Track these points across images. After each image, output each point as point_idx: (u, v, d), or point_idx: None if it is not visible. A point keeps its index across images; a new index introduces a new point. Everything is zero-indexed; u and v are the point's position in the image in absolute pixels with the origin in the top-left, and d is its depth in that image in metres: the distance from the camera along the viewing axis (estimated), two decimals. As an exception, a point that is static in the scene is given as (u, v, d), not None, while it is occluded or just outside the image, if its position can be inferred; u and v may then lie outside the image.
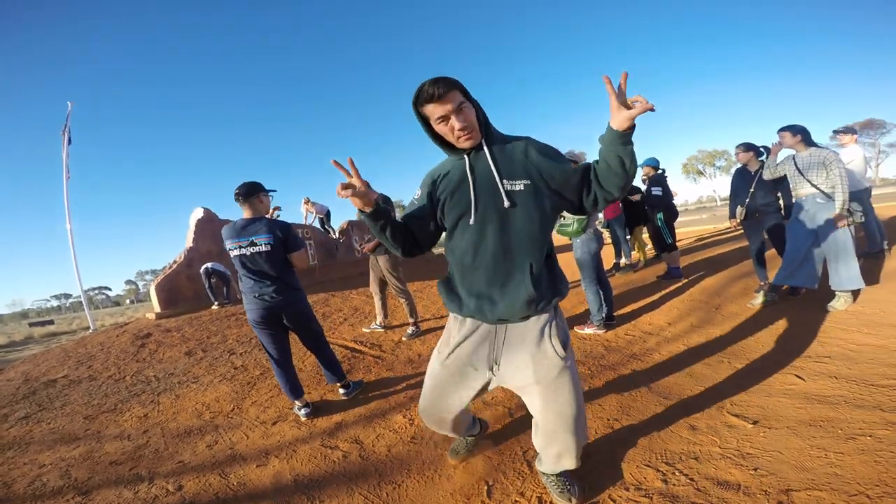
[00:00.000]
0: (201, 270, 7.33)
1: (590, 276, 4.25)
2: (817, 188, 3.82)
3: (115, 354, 5.23)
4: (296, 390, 3.16)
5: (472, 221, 1.60)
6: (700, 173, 62.73)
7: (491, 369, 1.75)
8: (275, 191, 3.31)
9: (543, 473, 2.00)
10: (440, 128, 1.55)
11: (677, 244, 6.31)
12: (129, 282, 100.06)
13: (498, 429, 2.63)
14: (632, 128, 1.39)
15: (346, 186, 1.54)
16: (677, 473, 2.01)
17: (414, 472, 2.34)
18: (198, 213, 8.32)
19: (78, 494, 2.45)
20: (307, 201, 11.01)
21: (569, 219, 4.03)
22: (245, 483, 2.41)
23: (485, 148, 1.59)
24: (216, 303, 7.28)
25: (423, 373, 3.62)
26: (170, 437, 3.06)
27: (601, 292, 4.25)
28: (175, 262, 7.85)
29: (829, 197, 3.77)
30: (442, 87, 1.46)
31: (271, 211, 3.38)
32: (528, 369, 1.68)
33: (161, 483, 2.49)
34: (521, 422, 2.66)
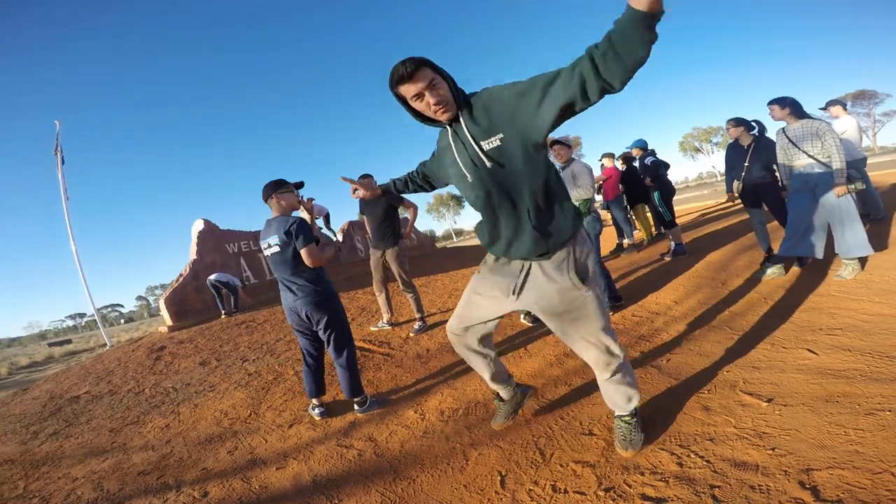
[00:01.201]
0: (207, 283, 7.45)
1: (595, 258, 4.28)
2: (814, 158, 3.80)
3: (133, 368, 5.34)
4: (312, 390, 3.21)
5: (467, 181, 1.79)
6: (697, 150, 62.37)
7: (514, 295, 1.94)
8: (300, 184, 3.27)
9: (615, 417, 2.17)
10: (418, 105, 1.68)
11: (676, 221, 6.31)
12: (140, 297, 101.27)
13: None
14: (660, 11, 1.19)
15: (354, 191, 2.40)
16: (693, 455, 1.98)
17: (427, 466, 2.40)
18: (199, 225, 8.40)
19: None
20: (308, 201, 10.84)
21: (574, 201, 4.05)
22: (266, 486, 2.49)
23: (461, 117, 1.72)
24: (224, 312, 7.39)
25: (433, 367, 3.76)
26: (192, 446, 3.14)
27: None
28: (181, 275, 7.94)
29: (827, 166, 3.75)
30: (410, 66, 1.57)
31: (305, 202, 3.29)
32: (555, 300, 1.86)
33: (188, 490, 2.57)
34: (531, 409, 2.70)
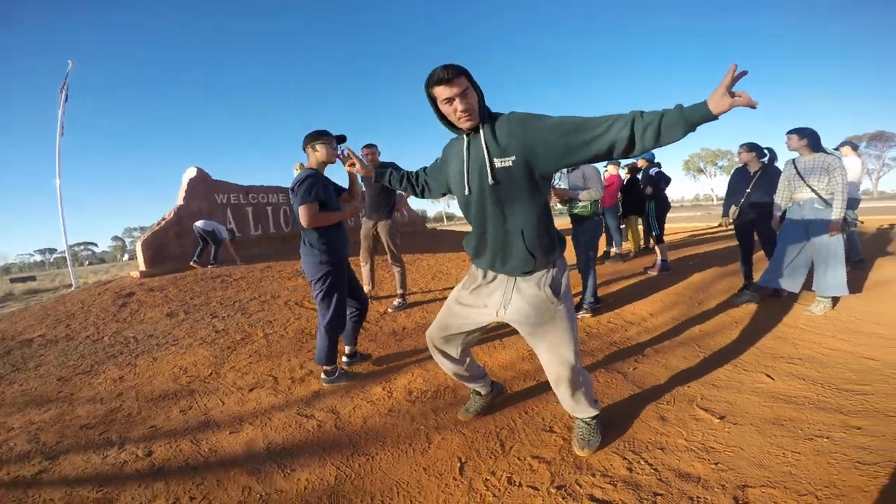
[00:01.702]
0: (194, 229, 7.44)
1: (593, 259, 4.33)
2: (816, 193, 3.81)
3: (95, 314, 5.17)
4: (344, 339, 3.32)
5: (466, 193, 1.88)
6: (700, 171, 62.70)
7: (498, 312, 2.00)
8: (342, 138, 3.10)
9: (576, 418, 2.23)
10: (445, 108, 1.77)
11: (665, 238, 6.36)
12: (116, 238, 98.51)
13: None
14: (720, 115, 1.45)
15: (350, 165, 2.57)
16: (642, 462, 2.04)
17: (388, 444, 2.35)
18: (191, 173, 8.20)
19: (45, 459, 2.40)
20: (301, 167, 10.50)
21: (584, 201, 4.13)
22: (216, 450, 2.41)
23: (481, 130, 1.80)
24: (194, 262, 7.31)
25: (407, 346, 3.72)
26: (144, 402, 3.04)
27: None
28: (164, 218, 7.74)
29: (827, 203, 3.76)
30: (451, 72, 1.67)
31: (344, 157, 2.95)
32: (529, 310, 1.92)
33: (131, 448, 2.46)
34: (496, 403, 2.67)
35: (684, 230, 12.59)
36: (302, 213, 2.85)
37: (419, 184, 2.36)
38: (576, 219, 4.29)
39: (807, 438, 2.11)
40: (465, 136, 1.86)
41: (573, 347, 1.97)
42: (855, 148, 5.76)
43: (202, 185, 8.26)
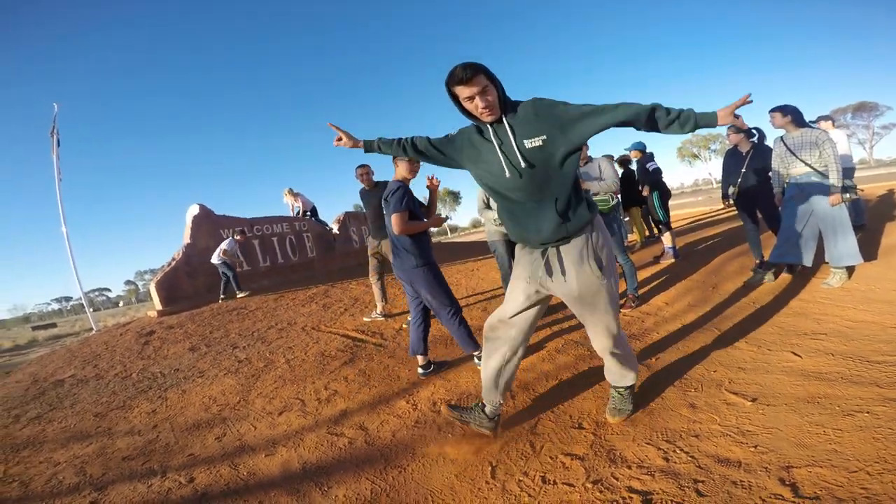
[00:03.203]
0: (216, 263, 7.52)
1: (623, 249, 4.36)
2: (811, 167, 3.86)
3: (120, 353, 5.29)
4: (413, 348, 3.39)
5: (508, 176, 1.95)
6: (695, 157, 62.70)
7: (539, 281, 2.12)
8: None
9: (611, 387, 2.41)
10: (467, 104, 1.89)
11: (671, 224, 6.37)
12: (128, 282, 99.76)
13: (503, 410, 2.68)
14: (718, 125, 1.90)
15: (338, 140, 2.34)
16: (678, 451, 2.02)
17: (419, 455, 2.40)
18: (194, 210, 8.33)
19: (94, 490, 2.51)
20: (290, 192, 10.49)
21: (605, 196, 4.17)
22: (255, 472, 2.47)
23: (504, 120, 1.92)
24: (220, 298, 7.44)
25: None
26: (179, 431, 3.12)
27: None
28: (174, 259, 7.87)
29: (823, 175, 3.81)
30: (470, 72, 1.79)
31: (430, 181, 3.36)
32: (573, 284, 2.03)
33: (173, 476, 2.54)
34: (522, 402, 2.72)
35: (688, 216, 12.53)
36: (394, 221, 3.07)
37: (417, 150, 2.27)
38: (601, 213, 4.30)
39: (846, 414, 2.05)
40: (489, 126, 1.96)
41: (617, 319, 2.14)
42: (833, 121, 5.81)
43: (206, 222, 8.35)
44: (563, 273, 2.04)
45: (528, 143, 1.89)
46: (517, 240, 2.20)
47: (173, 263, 7.75)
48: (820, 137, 3.78)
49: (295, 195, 10.34)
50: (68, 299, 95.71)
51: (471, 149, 2.08)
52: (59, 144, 10.66)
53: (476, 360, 3.30)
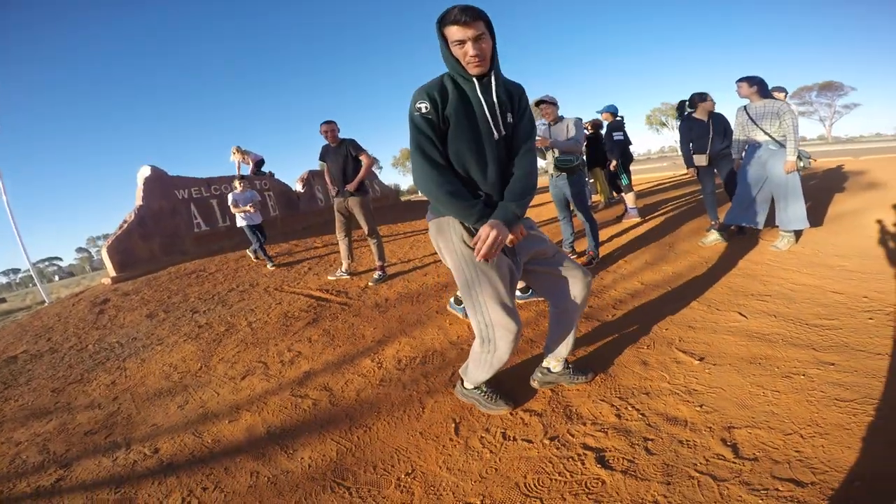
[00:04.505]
0: (245, 230, 6.58)
1: (587, 208, 4.39)
2: (770, 136, 4.03)
3: (74, 324, 5.09)
4: None
5: (495, 137, 1.82)
6: (663, 124, 63.24)
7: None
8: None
9: (559, 372, 2.34)
10: (455, 49, 1.72)
11: (633, 187, 6.55)
12: (80, 249, 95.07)
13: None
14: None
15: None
16: (630, 408, 2.13)
17: (384, 414, 2.44)
18: (145, 171, 7.87)
19: (59, 468, 2.46)
20: (238, 150, 9.80)
21: (569, 155, 4.17)
22: (219, 439, 2.47)
23: (493, 79, 1.79)
24: (269, 263, 6.40)
25: (391, 317, 3.76)
26: (140, 402, 3.06)
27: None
28: (125, 221, 7.48)
29: (781, 144, 3.99)
30: (469, 15, 1.63)
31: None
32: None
33: (137, 448, 2.51)
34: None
35: (652, 180, 12.85)
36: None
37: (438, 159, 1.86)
38: (566, 171, 4.27)
39: (784, 376, 2.18)
40: (475, 80, 1.77)
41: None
42: (785, 93, 5.98)
43: (159, 183, 7.94)
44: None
45: (509, 117, 1.85)
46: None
47: (125, 226, 7.36)
48: (782, 108, 3.93)
49: (243, 153, 9.82)
50: (16, 271, 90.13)
51: (451, 101, 1.79)
52: None
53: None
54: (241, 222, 6.51)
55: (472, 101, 1.80)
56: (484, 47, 1.69)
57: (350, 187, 4.75)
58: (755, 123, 4.10)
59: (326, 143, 4.81)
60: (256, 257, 6.74)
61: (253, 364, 3.33)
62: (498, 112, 1.81)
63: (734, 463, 1.71)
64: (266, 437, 2.42)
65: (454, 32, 1.67)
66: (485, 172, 1.85)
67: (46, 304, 6.99)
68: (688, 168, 4.91)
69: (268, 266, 6.29)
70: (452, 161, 1.84)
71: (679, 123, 4.95)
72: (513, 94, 1.89)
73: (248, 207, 6.44)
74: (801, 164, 3.97)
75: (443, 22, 1.70)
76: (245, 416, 2.65)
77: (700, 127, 4.70)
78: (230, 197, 6.53)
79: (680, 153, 4.82)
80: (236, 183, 6.66)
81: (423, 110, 1.76)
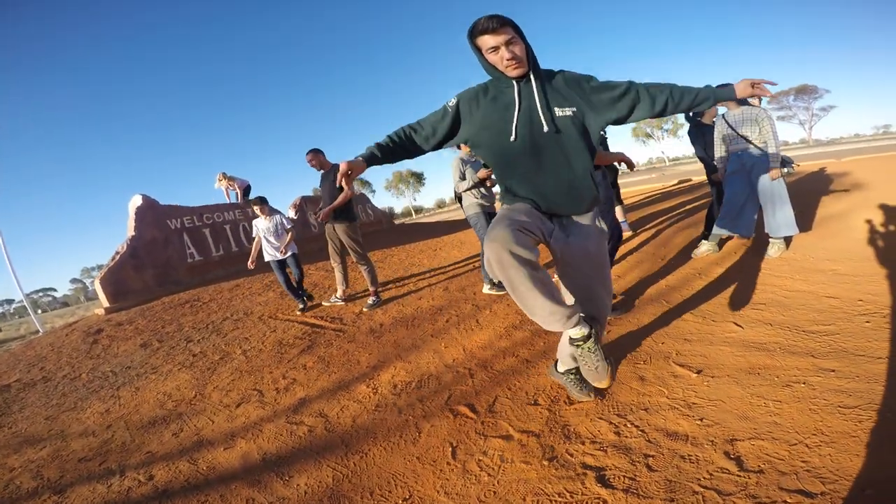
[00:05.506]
0: (272, 265, 5.33)
1: None
2: (751, 143, 4.04)
3: (67, 353, 5.05)
4: None
5: (511, 139, 1.82)
6: (648, 136, 64.35)
7: (555, 235, 1.91)
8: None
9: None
10: (491, 57, 1.77)
11: (622, 199, 6.52)
12: (75, 280, 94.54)
13: (462, 389, 2.75)
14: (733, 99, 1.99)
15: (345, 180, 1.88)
16: (629, 425, 2.08)
17: (380, 439, 2.42)
18: (136, 201, 7.90)
19: (53, 494, 2.44)
20: (224, 176, 9.71)
21: None
22: (214, 466, 2.45)
23: (532, 79, 1.82)
24: (299, 310, 5.28)
25: (386, 342, 3.77)
26: (135, 430, 3.03)
27: None
28: (118, 252, 7.48)
29: (762, 150, 3.99)
30: (495, 23, 1.70)
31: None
32: (590, 250, 1.94)
33: (132, 475, 2.49)
34: (480, 381, 2.78)
35: (641, 192, 12.94)
36: None
37: (408, 140, 1.94)
38: None
39: (784, 385, 2.12)
40: (514, 83, 1.82)
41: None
42: (759, 99, 6.05)
43: (151, 213, 7.96)
44: (578, 234, 1.92)
45: (558, 111, 1.81)
46: (524, 201, 1.90)
47: (118, 257, 7.35)
48: (759, 115, 3.96)
49: (230, 179, 9.82)
50: (10, 302, 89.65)
51: (481, 107, 1.86)
52: None
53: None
54: (267, 256, 5.29)
55: (511, 101, 1.82)
56: (516, 50, 1.74)
57: (320, 216, 4.73)
58: (734, 131, 4.12)
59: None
60: (304, 306, 5.31)
61: (248, 392, 3.31)
62: (544, 107, 1.80)
63: (739, 476, 1.67)
64: (262, 464, 2.40)
65: (486, 41, 1.74)
66: (513, 166, 1.88)
67: (40, 334, 6.94)
68: (713, 175, 4.70)
69: (298, 309, 5.27)
70: (483, 153, 1.99)
71: (688, 129, 4.90)
72: (570, 85, 1.87)
73: (275, 242, 5.23)
74: (786, 170, 3.97)
75: (473, 34, 1.76)
76: (240, 444, 2.63)
77: (711, 132, 4.66)
78: (254, 226, 5.33)
79: (667, 164, 4.76)
80: (256, 209, 5.28)
81: (450, 103, 1.92)
